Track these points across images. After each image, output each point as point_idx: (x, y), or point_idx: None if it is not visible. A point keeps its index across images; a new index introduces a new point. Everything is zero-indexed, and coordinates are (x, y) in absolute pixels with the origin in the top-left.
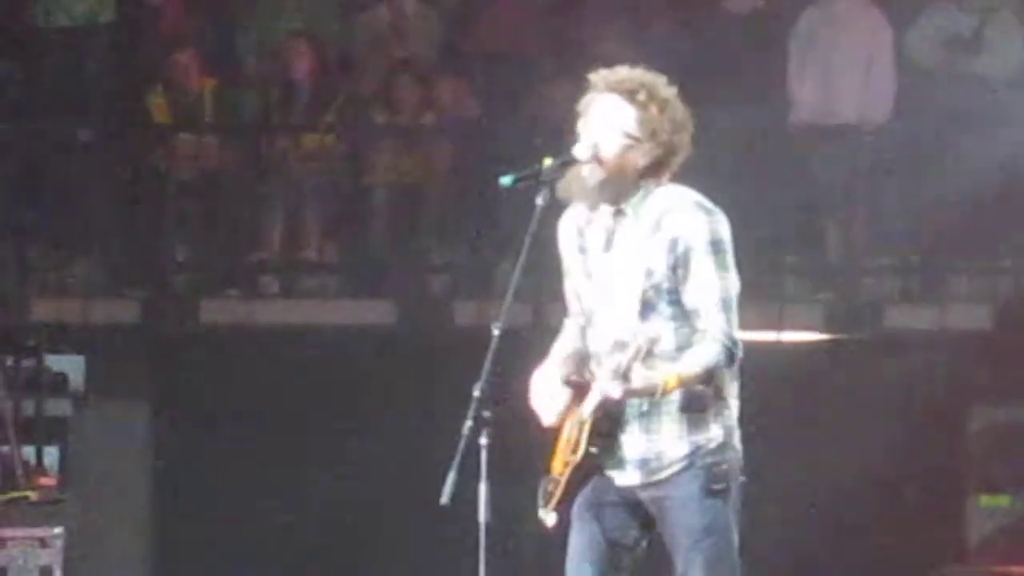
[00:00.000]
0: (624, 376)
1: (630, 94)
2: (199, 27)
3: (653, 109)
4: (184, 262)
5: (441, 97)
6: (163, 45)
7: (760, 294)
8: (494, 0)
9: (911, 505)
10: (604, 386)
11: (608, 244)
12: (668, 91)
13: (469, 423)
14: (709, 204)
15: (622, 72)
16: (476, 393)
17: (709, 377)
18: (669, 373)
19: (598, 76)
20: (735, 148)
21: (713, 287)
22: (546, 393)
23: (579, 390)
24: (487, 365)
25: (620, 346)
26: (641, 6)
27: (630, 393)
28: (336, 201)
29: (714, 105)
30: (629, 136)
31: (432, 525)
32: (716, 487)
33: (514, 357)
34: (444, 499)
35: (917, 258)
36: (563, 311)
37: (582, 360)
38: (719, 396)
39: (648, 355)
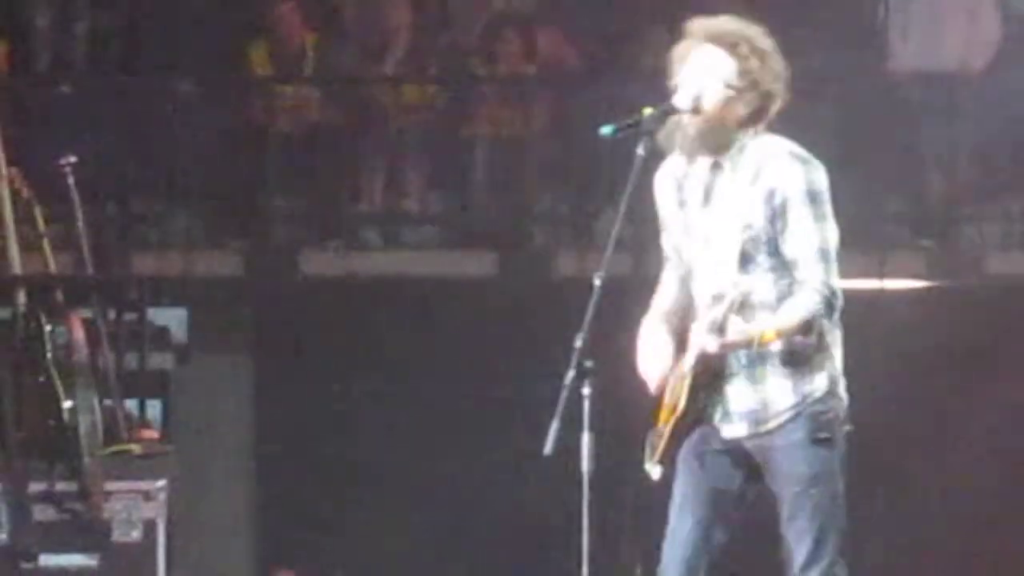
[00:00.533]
0: (720, 329)
1: (731, 46)
2: None
3: (754, 61)
4: (285, 214)
5: (541, 47)
6: (266, 2)
7: (862, 241)
8: None
9: (1014, 456)
10: (700, 340)
11: (707, 198)
12: (766, 42)
13: (571, 373)
14: (805, 154)
15: (722, 23)
16: (578, 343)
17: (808, 327)
18: (766, 325)
19: (697, 25)
20: (837, 95)
21: (811, 237)
22: (652, 355)
23: (681, 343)
24: (588, 315)
25: (717, 299)
26: None
27: (726, 346)
28: (437, 153)
29: (815, 52)
30: (731, 87)
31: (535, 474)
32: (822, 435)
33: (615, 306)
34: (547, 449)
35: (1019, 205)
36: (662, 260)
37: (684, 312)
38: (823, 345)
39: (747, 307)
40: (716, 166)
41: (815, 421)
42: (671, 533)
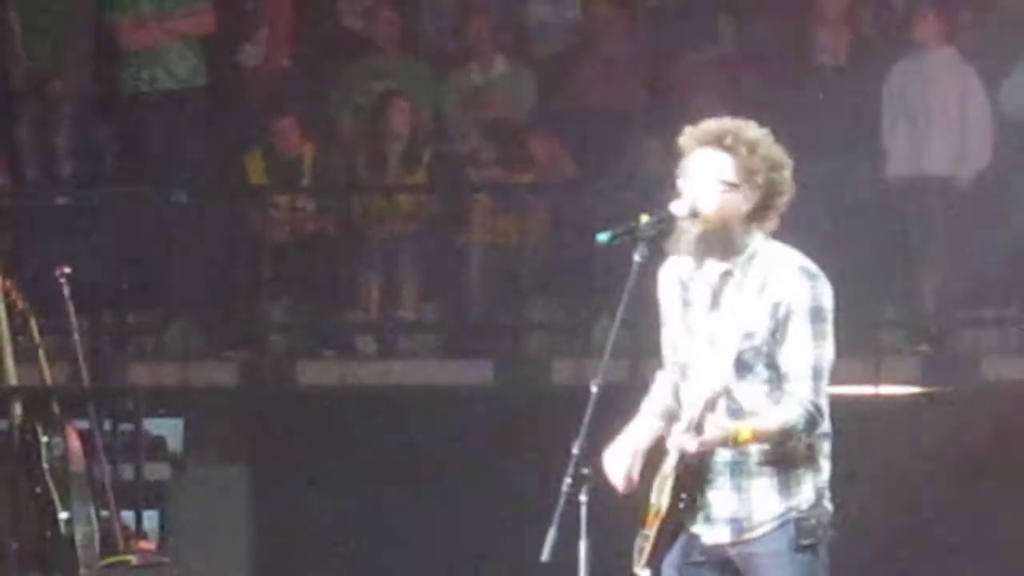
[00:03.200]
0: (697, 429)
1: (718, 142)
2: (296, 92)
3: (743, 151)
4: (281, 324)
5: (536, 154)
6: (260, 108)
7: (858, 347)
8: (586, 57)
9: (1013, 557)
10: (678, 440)
11: (714, 303)
12: (757, 132)
13: (568, 480)
14: (814, 268)
15: (706, 125)
16: (575, 450)
17: (786, 437)
18: (743, 425)
19: (685, 137)
20: (830, 201)
21: (807, 354)
22: (618, 457)
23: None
24: (585, 422)
25: (697, 400)
26: (733, 59)
27: (704, 444)
28: (433, 260)
29: (808, 157)
30: (726, 183)
31: None
32: (805, 542)
33: (612, 413)
34: (544, 556)
35: (1014, 309)
36: (659, 367)
37: (673, 417)
38: (811, 456)
39: (739, 415)
40: (727, 273)
41: (799, 528)
42: None
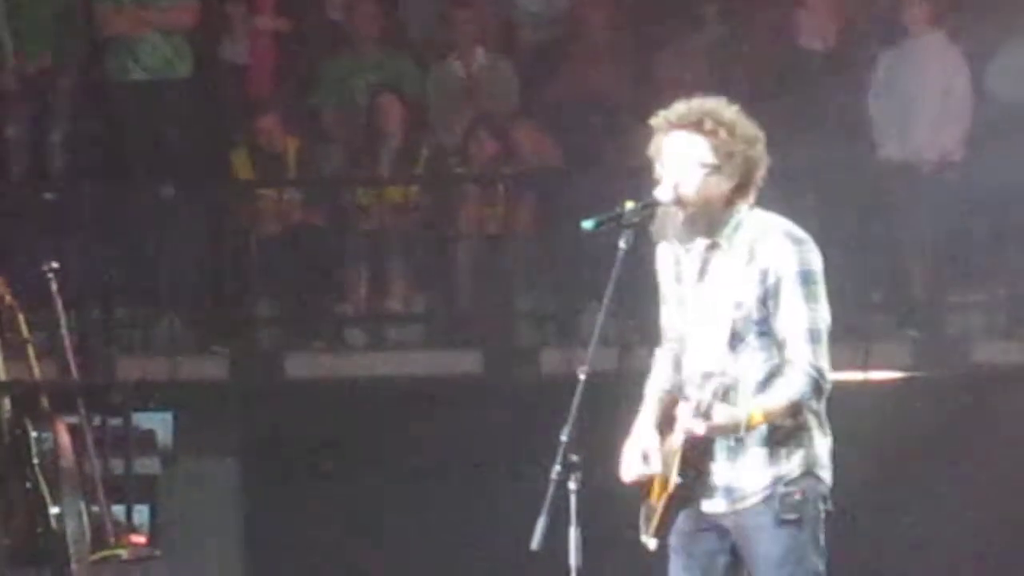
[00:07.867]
0: (705, 414)
1: (696, 125)
2: (281, 89)
3: (723, 133)
4: (270, 317)
5: (522, 145)
6: (246, 105)
7: (847, 332)
8: (571, 47)
9: (1000, 550)
10: (687, 423)
11: (702, 274)
12: (731, 111)
13: (557, 468)
14: (800, 233)
15: (681, 107)
16: (564, 438)
17: (796, 409)
18: (753, 408)
19: (659, 118)
20: (818, 186)
21: (801, 317)
22: (635, 450)
23: (673, 419)
24: (574, 410)
25: (706, 378)
26: (719, 48)
27: (713, 430)
28: (420, 252)
29: (796, 143)
30: (707, 166)
31: (523, 572)
32: (789, 517)
33: (601, 401)
34: (534, 545)
35: (1003, 292)
36: (648, 354)
37: (678, 390)
38: (801, 425)
39: (733, 389)
40: (713, 245)
41: (783, 503)
42: None
